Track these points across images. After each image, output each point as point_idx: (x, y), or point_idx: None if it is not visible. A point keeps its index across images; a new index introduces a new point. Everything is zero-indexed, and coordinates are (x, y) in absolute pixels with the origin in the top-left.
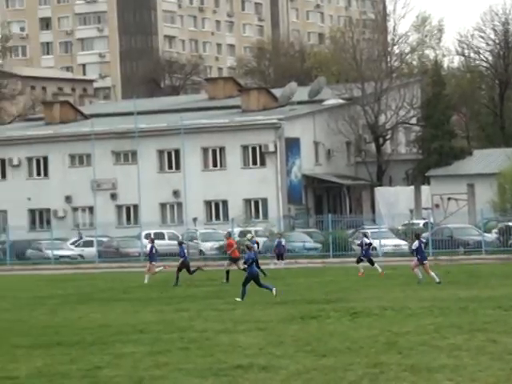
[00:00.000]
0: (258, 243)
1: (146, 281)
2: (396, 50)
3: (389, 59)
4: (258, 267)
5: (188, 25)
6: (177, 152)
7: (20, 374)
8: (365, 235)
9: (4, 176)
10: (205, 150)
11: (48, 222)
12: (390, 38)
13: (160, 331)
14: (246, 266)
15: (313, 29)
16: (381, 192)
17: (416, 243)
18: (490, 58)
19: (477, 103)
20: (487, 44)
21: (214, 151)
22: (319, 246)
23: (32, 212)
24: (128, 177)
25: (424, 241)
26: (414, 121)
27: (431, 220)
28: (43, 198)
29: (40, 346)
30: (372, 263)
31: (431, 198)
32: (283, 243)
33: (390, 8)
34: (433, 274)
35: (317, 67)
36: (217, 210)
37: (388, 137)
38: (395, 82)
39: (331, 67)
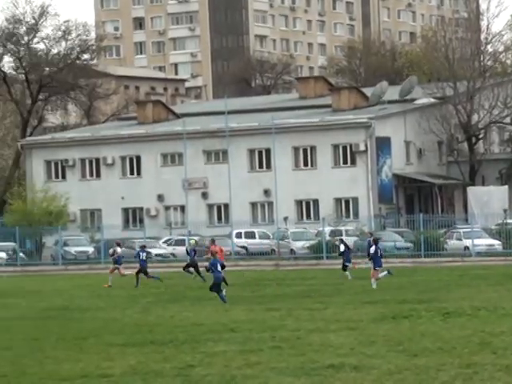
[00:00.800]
0: (195, 251)
1: (109, 283)
2: (489, 48)
3: (482, 58)
4: (198, 272)
5: (279, 24)
6: (267, 151)
7: (114, 372)
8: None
9: (98, 175)
10: (295, 150)
11: (141, 221)
12: (483, 36)
13: (251, 330)
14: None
15: (404, 28)
16: (473, 191)
17: None
18: None
19: None
20: None
21: (305, 150)
22: (410, 245)
23: (125, 211)
24: (219, 176)
25: None
26: (507, 120)
27: None
28: (136, 197)
29: (133, 345)
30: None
31: None
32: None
33: (483, 7)
34: None
35: (408, 66)
36: (307, 209)
37: (481, 136)
38: (488, 81)
39: (423, 66)
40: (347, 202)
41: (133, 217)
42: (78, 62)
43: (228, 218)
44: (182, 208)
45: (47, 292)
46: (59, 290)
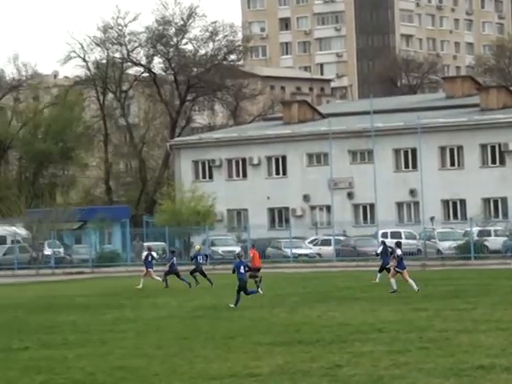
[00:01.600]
0: (207, 256)
1: (140, 285)
2: None
3: None
4: (205, 276)
5: (426, 23)
6: (413, 151)
7: (262, 371)
8: (397, 245)
9: (245, 175)
10: (442, 149)
11: (287, 221)
12: None
13: (399, 330)
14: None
15: None
16: None
17: None
18: None
19: None
20: None
21: (452, 150)
22: None
23: (271, 211)
24: (364, 176)
25: None
26: None
27: None
28: (282, 197)
29: (281, 344)
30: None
31: None
32: None
33: None
34: None
35: None
36: (454, 209)
37: None
38: None
39: None
40: (496, 202)
41: (279, 217)
42: (224, 62)
43: (374, 218)
44: (328, 208)
45: (196, 291)
46: (207, 289)
